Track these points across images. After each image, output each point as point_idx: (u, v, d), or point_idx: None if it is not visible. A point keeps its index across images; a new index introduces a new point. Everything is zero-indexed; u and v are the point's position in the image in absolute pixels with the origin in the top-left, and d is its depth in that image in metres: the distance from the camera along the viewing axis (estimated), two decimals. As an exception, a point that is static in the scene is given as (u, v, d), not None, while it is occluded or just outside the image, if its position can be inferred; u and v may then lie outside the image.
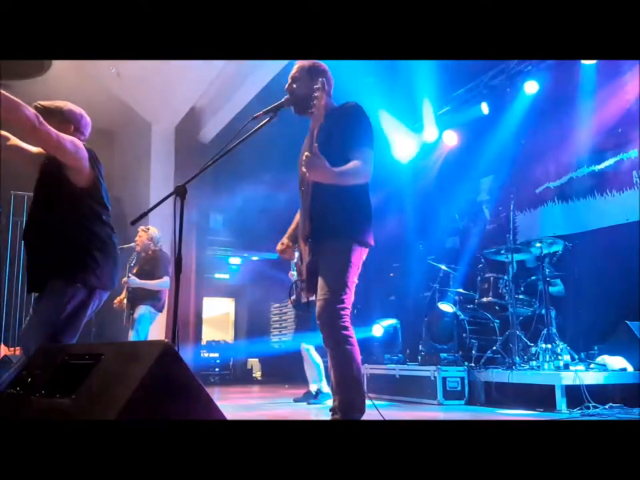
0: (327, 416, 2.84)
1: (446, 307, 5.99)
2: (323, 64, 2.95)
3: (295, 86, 2.89)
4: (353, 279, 2.75)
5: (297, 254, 3.08)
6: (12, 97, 2.45)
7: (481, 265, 6.26)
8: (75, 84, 6.64)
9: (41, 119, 2.56)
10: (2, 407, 2.09)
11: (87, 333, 6.82)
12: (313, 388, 5.69)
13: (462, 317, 5.82)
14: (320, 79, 2.70)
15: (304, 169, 2.65)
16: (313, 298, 2.85)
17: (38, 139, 2.66)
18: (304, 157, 2.62)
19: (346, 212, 2.77)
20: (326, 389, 5.49)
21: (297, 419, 4.15)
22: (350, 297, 2.73)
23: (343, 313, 2.67)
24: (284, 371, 9.36)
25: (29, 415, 1.86)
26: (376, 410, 2.86)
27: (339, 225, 2.75)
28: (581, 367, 4.70)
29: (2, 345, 5.60)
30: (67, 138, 2.71)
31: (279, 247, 3.12)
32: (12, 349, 5.44)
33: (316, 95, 2.63)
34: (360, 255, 2.79)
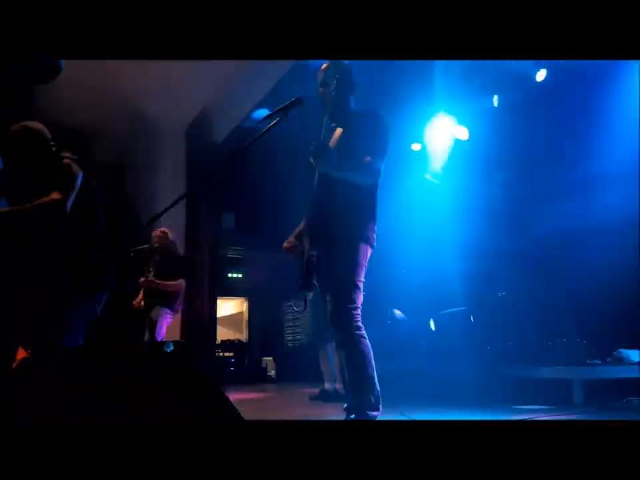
0: (342, 415, 2.83)
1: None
2: (348, 64, 2.96)
3: (321, 82, 2.91)
4: (361, 278, 2.76)
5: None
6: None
7: (496, 258, 6.22)
8: (85, 88, 6.67)
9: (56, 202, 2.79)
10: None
11: (103, 334, 6.86)
12: (329, 386, 5.69)
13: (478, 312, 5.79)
14: (336, 76, 2.73)
15: (310, 159, 2.67)
16: (310, 294, 2.85)
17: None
18: (311, 147, 2.64)
19: (352, 210, 2.79)
20: (339, 388, 5.49)
21: (313, 418, 4.15)
22: (360, 296, 2.74)
23: (354, 312, 2.67)
24: (299, 369, 9.36)
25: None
26: (395, 409, 2.86)
27: (344, 223, 2.77)
28: (598, 361, 4.66)
29: (20, 348, 5.65)
30: (68, 192, 2.87)
31: (285, 244, 3.08)
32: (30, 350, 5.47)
33: (330, 87, 2.66)
34: (366, 254, 2.80)
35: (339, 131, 2.91)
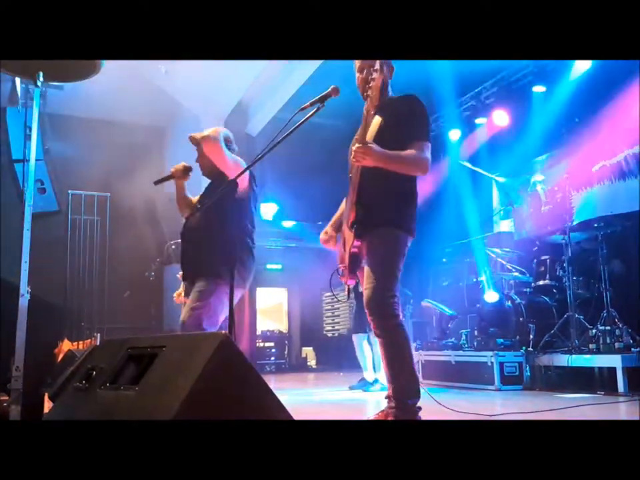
0: (383, 403, 2.84)
1: (492, 296, 5.88)
2: None
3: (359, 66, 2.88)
4: (399, 267, 2.74)
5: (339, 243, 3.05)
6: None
7: (536, 248, 6.11)
8: (125, 82, 6.79)
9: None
10: (69, 400, 2.18)
11: (147, 325, 7.03)
12: (368, 375, 5.69)
13: (518, 301, 5.71)
14: (379, 62, 2.69)
15: (353, 160, 2.64)
16: (353, 283, 2.87)
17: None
18: (354, 148, 2.61)
19: (393, 200, 2.76)
20: (378, 377, 5.49)
21: (356, 412, 4.17)
22: (397, 285, 2.72)
23: (391, 300, 2.66)
24: (338, 358, 9.40)
25: (94, 407, 1.93)
26: (433, 397, 2.86)
27: (386, 213, 2.74)
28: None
29: (65, 340, 5.82)
30: (230, 155, 3.26)
31: (322, 236, 3.09)
32: (75, 343, 5.63)
33: (373, 77, 2.62)
34: (405, 243, 2.78)
35: (378, 119, 2.87)
